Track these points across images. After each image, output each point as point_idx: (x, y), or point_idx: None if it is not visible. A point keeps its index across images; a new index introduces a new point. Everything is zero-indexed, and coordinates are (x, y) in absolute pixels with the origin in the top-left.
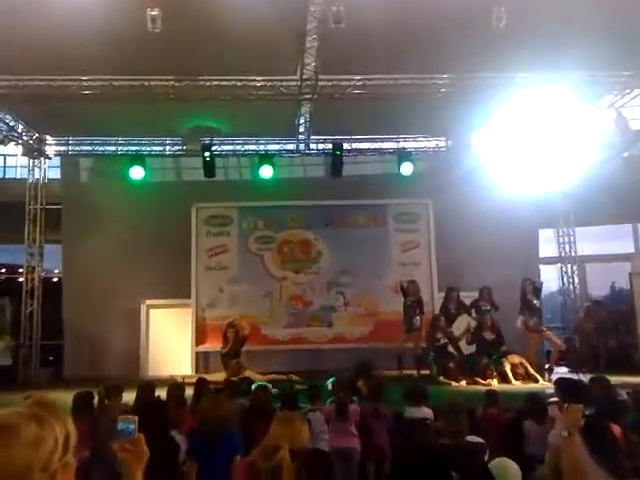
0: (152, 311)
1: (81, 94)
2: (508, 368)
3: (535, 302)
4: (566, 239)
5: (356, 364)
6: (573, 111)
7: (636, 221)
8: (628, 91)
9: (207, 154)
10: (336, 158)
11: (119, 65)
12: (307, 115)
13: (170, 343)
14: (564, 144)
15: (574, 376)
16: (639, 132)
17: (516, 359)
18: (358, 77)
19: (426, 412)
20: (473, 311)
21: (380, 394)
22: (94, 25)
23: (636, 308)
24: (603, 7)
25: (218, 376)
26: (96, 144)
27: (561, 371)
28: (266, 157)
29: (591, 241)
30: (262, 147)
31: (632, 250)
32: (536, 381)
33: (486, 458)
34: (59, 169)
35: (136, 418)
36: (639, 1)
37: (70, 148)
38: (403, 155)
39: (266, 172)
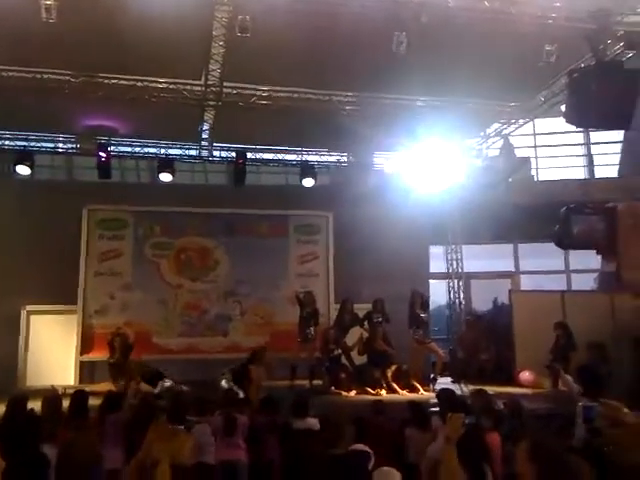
0: (33, 317)
1: None
2: (390, 377)
3: (422, 315)
4: (454, 256)
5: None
6: (465, 136)
7: (516, 241)
8: (514, 121)
9: (102, 154)
10: (239, 167)
11: (9, 54)
12: (211, 121)
13: (53, 351)
14: (456, 167)
15: (456, 386)
16: (523, 159)
17: (395, 367)
18: (263, 87)
19: (311, 423)
20: (366, 322)
21: (271, 405)
22: None
23: (514, 323)
24: (494, 43)
25: (104, 387)
26: None
27: (444, 382)
28: (166, 161)
29: (476, 258)
30: (162, 151)
31: (512, 268)
32: (417, 391)
33: (370, 466)
34: None
35: None
36: (526, 42)
37: None
38: (306, 168)
39: (165, 177)
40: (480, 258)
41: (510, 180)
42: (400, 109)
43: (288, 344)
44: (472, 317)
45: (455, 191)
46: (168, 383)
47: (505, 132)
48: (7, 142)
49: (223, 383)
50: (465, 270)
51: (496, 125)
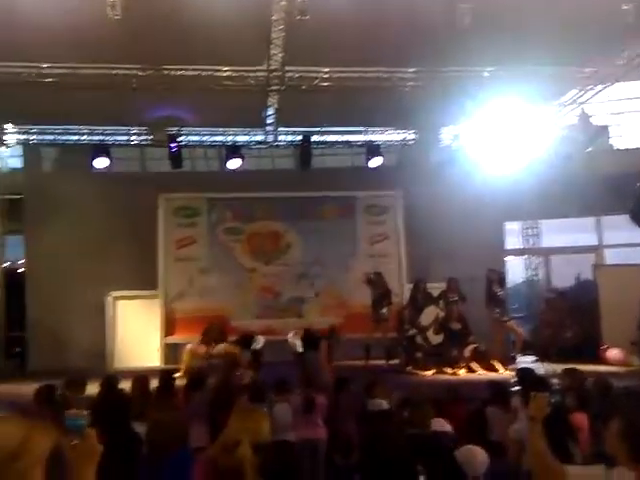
0: (119, 302)
1: (41, 81)
2: (469, 357)
3: (499, 293)
4: (531, 231)
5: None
6: (537, 106)
7: (599, 214)
8: (590, 87)
9: (173, 145)
10: (305, 150)
11: (81, 52)
12: (275, 106)
13: (138, 335)
14: (529, 138)
15: (538, 365)
16: (601, 128)
17: (473, 347)
18: (325, 69)
19: (380, 403)
20: (441, 302)
21: (346, 385)
22: (54, 9)
23: (599, 299)
24: (567, 4)
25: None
26: (58, 133)
27: (526, 360)
28: (234, 148)
29: (555, 233)
30: (230, 138)
31: (595, 242)
32: (495, 370)
33: (453, 446)
34: (21, 159)
35: (86, 413)
36: (601, 1)
37: (32, 137)
38: (372, 148)
39: (234, 163)
40: (560, 233)
41: (589, 150)
42: (466, 81)
43: (362, 325)
44: (553, 294)
45: (530, 164)
46: (262, 341)
47: (582, 100)
48: (85, 137)
49: (291, 337)
50: (544, 245)
51: (572, 92)
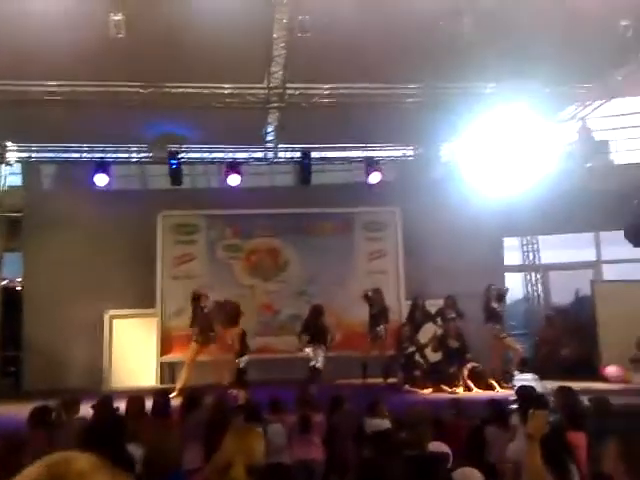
0: (115, 321)
1: (44, 99)
2: (466, 375)
3: (498, 309)
4: (530, 247)
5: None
6: (537, 122)
7: (597, 230)
8: (589, 102)
9: (173, 162)
10: (304, 167)
11: (83, 70)
12: (275, 123)
13: (135, 354)
14: (529, 154)
15: (537, 383)
16: (601, 143)
17: (471, 366)
18: (326, 86)
19: (381, 423)
20: (439, 319)
21: (342, 404)
22: (57, 29)
23: (597, 315)
24: (565, 21)
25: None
26: (59, 150)
27: (525, 378)
28: (233, 165)
29: (554, 249)
30: (230, 155)
31: (594, 258)
32: (493, 389)
33: (449, 467)
34: (20, 176)
35: None
36: (599, 17)
37: (32, 155)
38: (371, 163)
39: (233, 180)
40: (558, 248)
41: (589, 165)
42: (466, 98)
43: (359, 343)
44: (553, 312)
45: (530, 179)
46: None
47: (581, 115)
48: (85, 154)
49: (308, 352)
50: (542, 262)
51: (572, 108)
